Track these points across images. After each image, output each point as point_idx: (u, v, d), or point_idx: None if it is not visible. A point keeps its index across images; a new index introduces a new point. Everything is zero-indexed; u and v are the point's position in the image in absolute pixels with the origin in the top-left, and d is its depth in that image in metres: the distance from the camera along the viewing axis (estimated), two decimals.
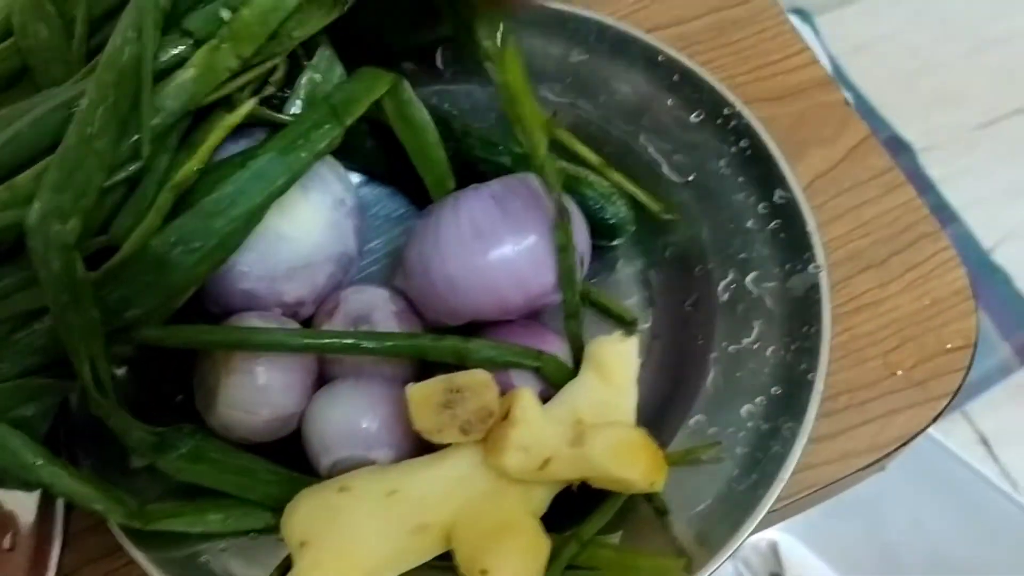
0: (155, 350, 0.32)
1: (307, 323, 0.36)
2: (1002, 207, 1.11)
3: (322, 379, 0.35)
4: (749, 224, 0.38)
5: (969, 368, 0.38)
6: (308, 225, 0.35)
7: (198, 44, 0.29)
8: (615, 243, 0.39)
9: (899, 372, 0.38)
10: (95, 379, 0.28)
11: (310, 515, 0.30)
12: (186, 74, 0.29)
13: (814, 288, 0.36)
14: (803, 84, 0.44)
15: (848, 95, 1.11)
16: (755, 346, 0.35)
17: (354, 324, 0.35)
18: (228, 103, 0.30)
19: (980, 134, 1.17)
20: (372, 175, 0.42)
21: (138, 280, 0.29)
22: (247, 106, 0.30)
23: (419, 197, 0.41)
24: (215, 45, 0.29)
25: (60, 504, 0.33)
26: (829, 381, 0.34)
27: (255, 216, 0.31)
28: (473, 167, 0.39)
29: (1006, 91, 1.19)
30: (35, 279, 0.28)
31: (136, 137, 0.28)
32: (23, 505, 0.33)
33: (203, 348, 0.32)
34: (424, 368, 0.35)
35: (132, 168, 0.28)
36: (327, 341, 0.33)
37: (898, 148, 1.13)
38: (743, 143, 0.39)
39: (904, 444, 0.36)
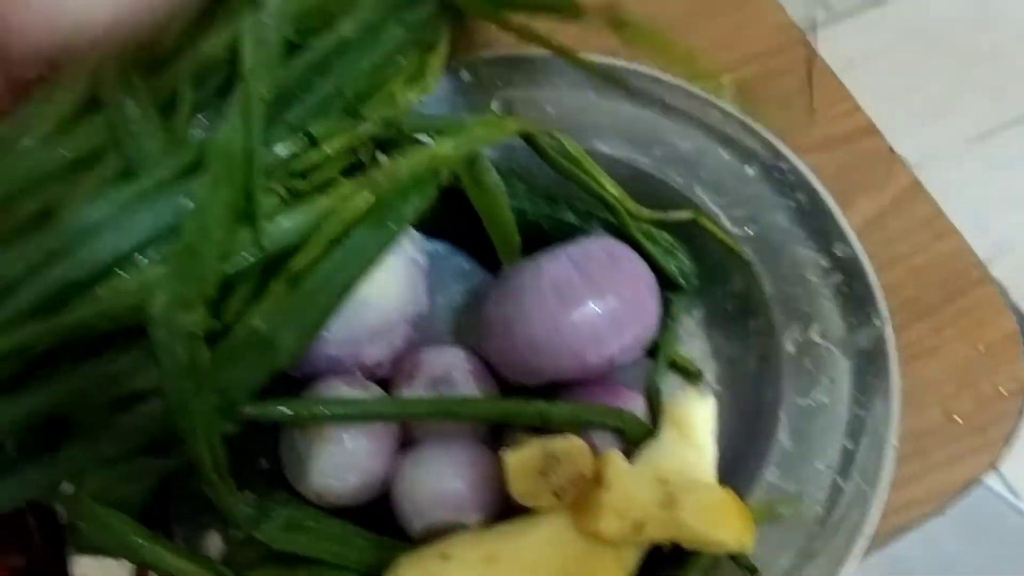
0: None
1: (385, 382, 0.37)
2: (997, 220, 1.14)
3: (405, 441, 0.36)
4: (810, 277, 0.39)
5: (1022, 411, 0.40)
6: (387, 288, 0.36)
7: (311, 140, 0.30)
8: (678, 295, 0.40)
9: (958, 419, 0.39)
10: (213, 462, 0.29)
11: None
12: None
13: (880, 341, 0.37)
14: (848, 132, 0.45)
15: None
16: (825, 400, 0.37)
17: (435, 385, 0.36)
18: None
19: (973, 147, 1.20)
20: (429, 232, 0.43)
21: (245, 361, 0.29)
22: (361, 199, 0.30)
23: (477, 253, 0.41)
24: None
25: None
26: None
27: (350, 290, 0.32)
28: (536, 223, 0.40)
29: (996, 105, 1.22)
30: (143, 363, 0.29)
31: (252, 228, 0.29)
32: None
33: (303, 423, 0.32)
34: (499, 426, 0.35)
35: (251, 259, 0.28)
36: (419, 410, 0.33)
37: None
38: (799, 195, 0.40)
39: (966, 490, 0.37)
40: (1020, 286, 1.13)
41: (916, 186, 0.44)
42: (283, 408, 0.31)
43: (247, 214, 0.29)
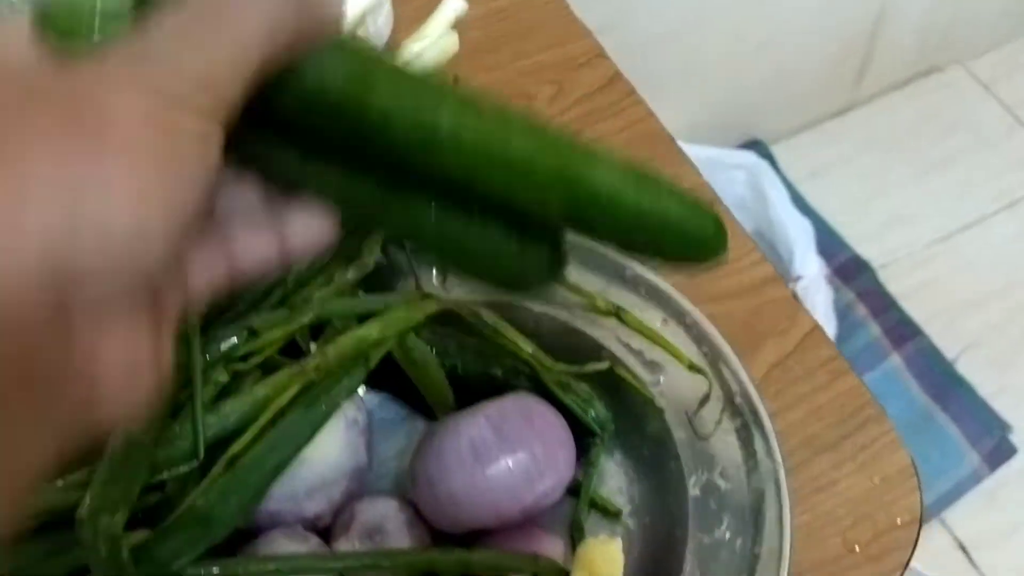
0: None
1: (325, 532, 0.41)
2: (962, 318, 1.18)
3: None
4: (714, 423, 0.43)
5: (917, 541, 0.43)
6: (326, 448, 0.40)
7: (251, 332, 0.34)
8: (596, 440, 0.44)
9: (856, 548, 0.42)
10: None
11: None
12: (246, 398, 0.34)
13: (775, 481, 0.41)
14: (755, 281, 0.49)
15: (808, 221, 1.19)
16: (726, 536, 0.40)
17: (369, 535, 0.39)
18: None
19: (937, 248, 1.25)
20: (371, 384, 0.47)
21: (185, 534, 0.33)
22: (294, 387, 0.35)
23: (416, 401, 0.46)
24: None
25: None
26: (795, 559, 0.38)
27: (285, 466, 0.36)
28: (466, 379, 0.44)
29: (959, 205, 1.27)
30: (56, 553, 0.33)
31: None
32: None
33: None
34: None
35: (184, 469, 0.33)
36: (350, 562, 0.37)
37: (859, 267, 1.21)
38: (704, 347, 0.44)
39: None
40: (988, 382, 1.17)
41: (817, 330, 0.48)
42: (216, 570, 0.35)
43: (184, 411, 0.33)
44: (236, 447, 0.34)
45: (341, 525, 0.40)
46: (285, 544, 0.38)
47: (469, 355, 0.44)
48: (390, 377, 0.46)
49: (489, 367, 0.44)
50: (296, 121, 0.25)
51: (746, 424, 0.42)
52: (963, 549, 1.04)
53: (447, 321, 0.44)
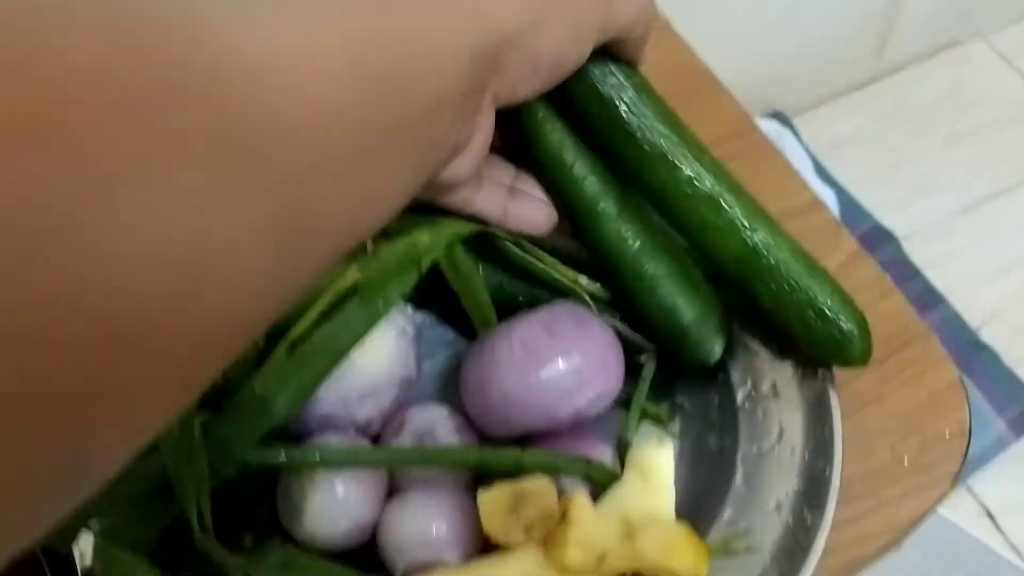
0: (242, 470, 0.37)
1: (376, 439, 0.41)
2: (985, 288, 1.18)
3: (392, 489, 0.39)
4: (763, 339, 0.43)
5: (967, 451, 0.43)
6: (377, 355, 0.40)
7: None
8: (644, 356, 0.44)
9: (905, 460, 0.42)
10: (200, 519, 0.33)
11: None
12: None
13: (824, 393, 0.40)
14: (795, 208, 0.49)
15: (831, 191, 1.19)
16: (776, 448, 0.40)
17: (419, 439, 0.40)
18: None
19: (959, 219, 1.24)
20: (418, 304, 0.47)
21: (243, 420, 0.33)
22: (349, 277, 0.35)
23: (460, 323, 0.46)
24: None
25: None
26: (844, 471, 0.38)
27: (341, 358, 0.36)
28: (513, 297, 0.44)
29: (980, 177, 1.27)
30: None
31: None
32: None
33: (295, 469, 0.36)
34: (480, 476, 0.39)
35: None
36: (403, 457, 0.37)
37: (882, 238, 1.20)
38: None
39: (916, 523, 0.40)
40: (1012, 350, 1.16)
41: (860, 252, 0.48)
42: (280, 454, 0.35)
43: None
44: (296, 331, 0.34)
45: (391, 431, 0.40)
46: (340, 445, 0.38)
47: (516, 276, 0.44)
48: (436, 299, 0.46)
49: (534, 288, 0.44)
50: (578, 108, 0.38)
51: None
52: (989, 515, 1.04)
53: (491, 246, 0.45)
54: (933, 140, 1.30)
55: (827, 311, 0.39)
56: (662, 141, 0.38)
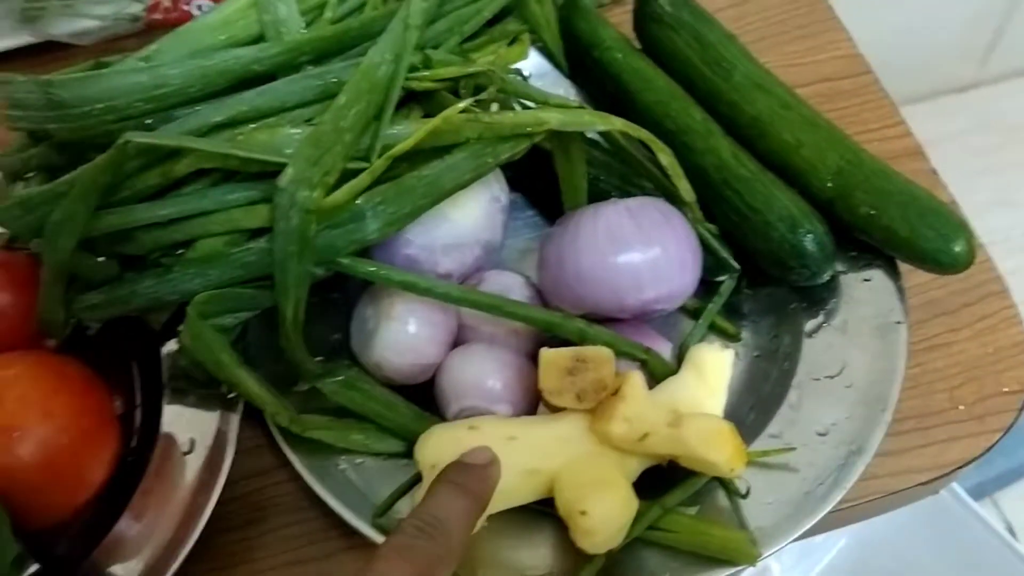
0: (323, 297, 0.39)
1: None
2: None
3: (457, 340, 0.41)
4: (840, 270, 0.43)
5: (1022, 410, 0.43)
6: (468, 212, 0.41)
7: (427, 63, 0.36)
8: (720, 279, 0.45)
9: (961, 406, 0.43)
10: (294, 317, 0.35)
11: (441, 444, 0.36)
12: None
13: (894, 336, 0.41)
14: (896, 151, 0.50)
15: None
16: (835, 380, 0.41)
17: None
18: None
19: None
20: (511, 184, 0.48)
21: (343, 230, 0.35)
22: (457, 107, 0.36)
23: (548, 209, 0.47)
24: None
25: (235, 419, 0.39)
26: (899, 406, 0.39)
27: (440, 198, 0.37)
28: (606, 191, 0.45)
29: None
30: (258, 202, 0.35)
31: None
32: (203, 417, 0.39)
33: (382, 282, 0.38)
34: (542, 346, 0.40)
35: (369, 162, 0.35)
36: (479, 299, 0.39)
37: None
38: None
39: (959, 468, 0.41)
40: None
41: (954, 204, 0.48)
42: (372, 265, 0.37)
43: (375, 124, 0.35)
44: (400, 146, 0.35)
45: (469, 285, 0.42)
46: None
47: (614, 172, 0.45)
48: (530, 184, 0.47)
49: (629, 185, 0.45)
50: None
51: (877, 279, 0.43)
52: (1011, 531, 1.04)
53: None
54: (1020, 155, 1.28)
55: (931, 210, 0.41)
56: (755, 73, 0.46)
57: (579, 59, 0.49)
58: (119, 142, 0.33)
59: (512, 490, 0.36)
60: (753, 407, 0.41)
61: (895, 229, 0.41)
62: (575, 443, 0.37)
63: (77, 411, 0.37)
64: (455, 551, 0.30)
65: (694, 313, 0.44)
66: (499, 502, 0.36)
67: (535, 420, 0.38)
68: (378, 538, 0.36)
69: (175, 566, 0.36)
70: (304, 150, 0.34)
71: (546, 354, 0.37)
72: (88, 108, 0.35)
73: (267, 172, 0.36)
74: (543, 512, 0.37)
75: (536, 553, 0.37)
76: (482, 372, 0.39)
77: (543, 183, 0.44)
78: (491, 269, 0.43)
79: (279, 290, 0.35)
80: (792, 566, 0.88)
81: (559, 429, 0.37)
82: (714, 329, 0.43)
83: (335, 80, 0.37)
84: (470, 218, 0.41)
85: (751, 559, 0.36)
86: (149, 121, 0.36)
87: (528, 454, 0.36)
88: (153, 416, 0.40)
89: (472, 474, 0.33)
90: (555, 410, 0.38)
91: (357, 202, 0.36)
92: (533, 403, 0.39)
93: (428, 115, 0.38)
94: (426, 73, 0.38)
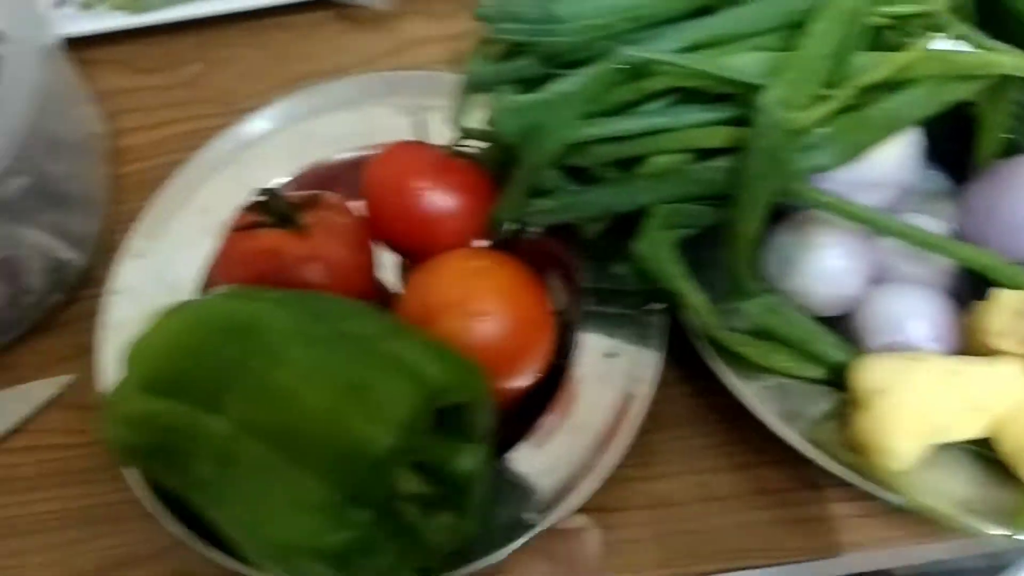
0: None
1: None
2: None
3: (875, 280, 0.42)
4: None
5: None
6: (889, 151, 0.41)
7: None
8: None
9: None
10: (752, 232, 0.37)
11: (883, 371, 0.37)
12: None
13: None
14: None
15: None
16: None
17: None
18: None
19: None
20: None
21: (795, 157, 0.37)
22: (925, 43, 0.37)
23: (952, 173, 0.46)
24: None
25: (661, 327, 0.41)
26: None
27: (897, 131, 0.38)
28: (1020, 149, 0.44)
29: None
30: (715, 123, 0.37)
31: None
32: (623, 324, 0.42)
33: (831, 211, 0.39)
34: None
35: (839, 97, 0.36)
36: (916, 235, 0.39)
37: None
38: None
39: None
40: None
41: None
42: (819, 193, 0.38)
43: (845, 55, 0.36)
44: (865, 78, 0.36)
45: None
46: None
47: None
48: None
49: None
50: None
51: None
52: None
53: None
54: None
55: None
56: None
57: (989, 10, 0.48)
58: (615, 56, 0.36)
59: (955, 423, 0.36)
60: None
61: None
62: (1016, 386, 0.36)
63: (530, 304, 0.40)
64: None
65: None
66: (944, 432, 0.36)
67: (973, 359, 0.38)
68: (810, 452, 0.37)
69: (605, 460, 0.38)
70: (788, 73, 0.36)
71: (1000, 294, 0.36)
72: (581, 23, 0.37)
73: (724, 95, 0.37)
74: (973, 451, 0.37)
75: (969, 490, 0.37)
76: (910, 308, 0.39)
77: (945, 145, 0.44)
78: (902, 210, 0.43)
79: (741, 208, 0.37)
80: None
81: (1001, 369, 0.37)
82: None
83: (799, 8, 0.38)
84: (891, 159, 0.42)
85: None
86: (624, 41, 0.38)
87: (972, 390, 0.36)
88: (571, 323, 0.42)
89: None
90: (987, 353, 0.37)
91: (817, 130, 0.37)
92: (957, 347, 0.39)
93: (877, 51, 0.39)
94: (886, 9, 0.38)
